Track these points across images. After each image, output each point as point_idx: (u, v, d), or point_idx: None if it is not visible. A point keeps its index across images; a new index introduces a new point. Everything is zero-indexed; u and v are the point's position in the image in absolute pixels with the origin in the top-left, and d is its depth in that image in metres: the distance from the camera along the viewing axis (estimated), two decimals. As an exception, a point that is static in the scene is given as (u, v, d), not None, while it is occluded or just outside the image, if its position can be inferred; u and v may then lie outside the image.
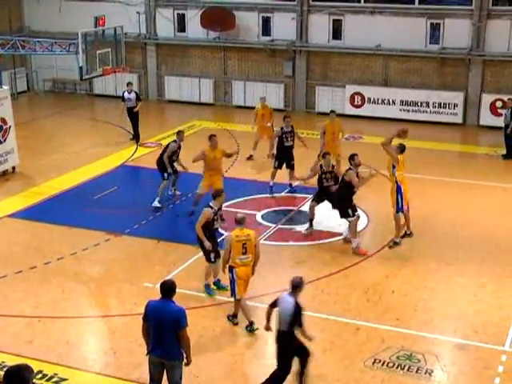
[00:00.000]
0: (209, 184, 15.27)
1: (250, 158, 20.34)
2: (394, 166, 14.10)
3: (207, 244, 11.99)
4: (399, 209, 14.09)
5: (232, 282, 11.15)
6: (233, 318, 11.46)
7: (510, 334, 11.00)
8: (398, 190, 14.07)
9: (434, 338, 11.01)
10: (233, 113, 26.83)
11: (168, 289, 8.38)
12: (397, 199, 14.04)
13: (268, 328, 9.77)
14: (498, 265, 13.55)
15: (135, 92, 22.47)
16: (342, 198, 14.16)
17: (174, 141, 16.78)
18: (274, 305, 9.62)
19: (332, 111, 19.55)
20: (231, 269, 11.09)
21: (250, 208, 16.38)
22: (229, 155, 16.05)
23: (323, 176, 14.87)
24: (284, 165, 17.58)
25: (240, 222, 11.18)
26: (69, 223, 15.53)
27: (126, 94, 22.03)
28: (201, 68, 28.34)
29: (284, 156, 17.59)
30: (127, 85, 22.34)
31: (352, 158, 14.39)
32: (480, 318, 11.61)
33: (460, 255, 14.00)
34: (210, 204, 12.04)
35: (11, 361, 9.89)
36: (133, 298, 12.17)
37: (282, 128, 17.76)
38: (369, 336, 11.05)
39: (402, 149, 14.41)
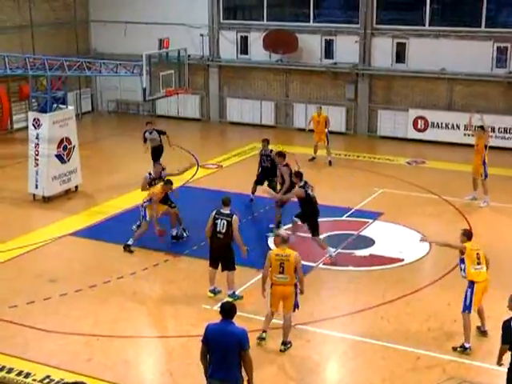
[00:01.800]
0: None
1: (312, 159, 22.49)
2: (462, 260, 11.49)
3: (245, 251, 12.61)
4: (466, 307, 11.39)
5: (268, 294, 11.37)
6: (285, 346, 11.38)
7: None
8: (470, 286, 11.45)
9: (498, 369, 10.71)
10: (294, 135, 26.88)
11: (229, 310, 8.38)
12: (465, 296, 11.41)
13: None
14: None
15: (156, 130, 20.58)
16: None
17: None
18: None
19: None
20: (271, 284, 11.31)
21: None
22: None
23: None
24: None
25: (284, 241, 11.29)
26: (129, 243, 15.71)
27: (147, 135, 20.37)
28: (262, 90, 28.52)
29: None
30: (146, 124, 20.58)
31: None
32: None
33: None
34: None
35: (70, 378, 10.04)
36: (190, 319, 12.23)
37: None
38: (429, 366, 10.83)
39: (468, 235, 11.69)
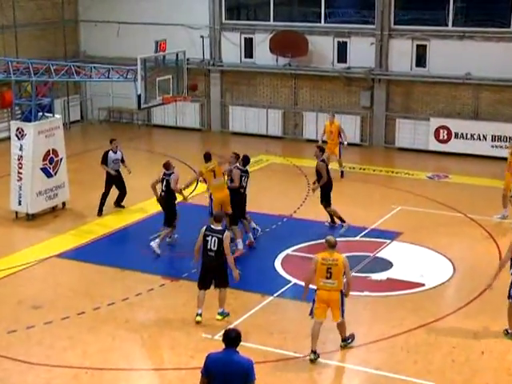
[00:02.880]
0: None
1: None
2: None
3: (237, 275, 12.77)
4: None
5: (312, 301, 11.92)
6: (346, 342, 12.23)
7: None
8: None
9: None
10: (303, 147, 26.95)
11: (234, 338, 8.34)
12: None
13: None
14: None
15: (121, 151, 20.02)
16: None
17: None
18: None
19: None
20: (315, 290, 11.84)
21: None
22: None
23: None
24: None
25: (332, 245, 11.76)
26: (121, 265, 15.77)
27: (111, 154, 19.58)
28: (269, 97, 28.65)
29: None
30: (111, 142, 19.87)
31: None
32: None
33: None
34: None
35: (55, 415, 10.03)
36: (189, 350, 12.23)
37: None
38: (454, 402, 10.82)
39: None
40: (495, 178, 20.83)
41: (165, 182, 16.79)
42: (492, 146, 24.97)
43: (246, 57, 28.83)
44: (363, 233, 17.70)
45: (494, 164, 23.83)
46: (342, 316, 11.91)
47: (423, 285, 14.83)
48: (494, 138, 25.06)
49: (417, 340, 12.65)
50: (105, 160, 19.54)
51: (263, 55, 28.10)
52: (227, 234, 12.88)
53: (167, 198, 16.77)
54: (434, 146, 25.84)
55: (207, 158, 17.10)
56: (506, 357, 12.07)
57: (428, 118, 26.06)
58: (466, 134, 25.47)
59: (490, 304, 13.93)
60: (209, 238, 12.80)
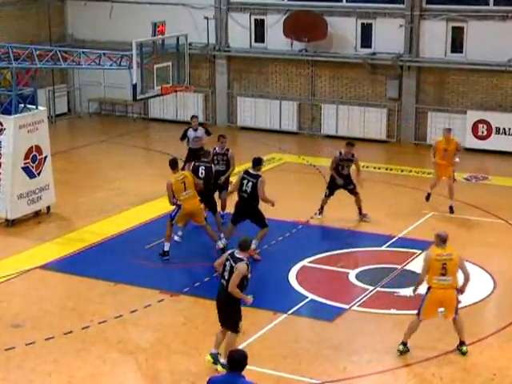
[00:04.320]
0: None
1: (428, 197, 20.01)
2: None
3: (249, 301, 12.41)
4: None
5: (422, 300, 12.67)
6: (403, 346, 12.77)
7: None
8: None
9: None
10: (321, 144, 26.95)
11: (238, 360, 8.40)
12: None
13: None
14: None
15: (204, 128, 21.70)
16: None
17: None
18: None
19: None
20: (428, 288, 12.53)
21: (341, 265, 16.35)
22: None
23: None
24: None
25: (444, 239, 12.54)
26: (114, 278, 15.79)
27: (191, 132, 21.10)
28: (282, 87, 28.69)
29: None
30: (191, 118, 21.51)
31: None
32: None
33: None
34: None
35: None
36: (190, 374, 12.23)
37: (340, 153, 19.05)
38: None
39: None
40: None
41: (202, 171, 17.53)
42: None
43: (256, 41, 28.93)
44: (390, 242, 17.67)
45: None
46: (456, 313, 12.61)
47: (459, 302, 14.76)
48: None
49: (452, 365, 12.60)
50: (184, 137, 21.21)
51: (276, 39, 28.16)
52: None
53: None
54: (472, 142, 25.82)
55: (173, 165, 16.95)
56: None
57: (465, 110, 26.07)
58: (509, 129, 25.46)
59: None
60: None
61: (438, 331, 13.72)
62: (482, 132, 25.78)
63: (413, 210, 19.66)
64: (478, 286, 15.37)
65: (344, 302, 14.79)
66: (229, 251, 12.48)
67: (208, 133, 21.36)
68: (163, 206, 20.02)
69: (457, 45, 26.30)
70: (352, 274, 16.00)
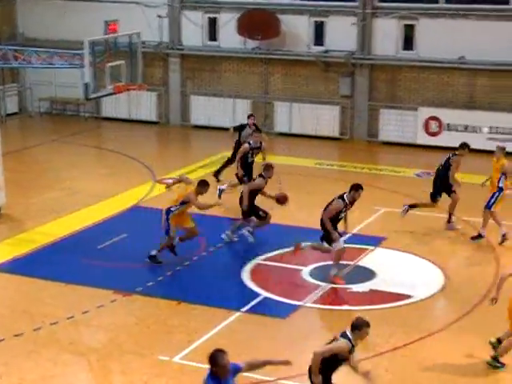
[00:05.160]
0: None
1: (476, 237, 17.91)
2: None
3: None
4: None
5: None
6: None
7: None
8: None
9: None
10: (275, 141, 27.00)
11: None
12: None
13: None
14: None
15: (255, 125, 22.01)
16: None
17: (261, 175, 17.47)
18: None
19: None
20: None
21: (295, 262, 16.37)
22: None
23: None
24: None
25: None
26: (65, 279, 15.63)
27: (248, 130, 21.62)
28: (236, 86, 28.67)
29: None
30: (248, 117, 22.05)
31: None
32: None
33: None
34: None
35: None
36: (144, 374, 12.16)
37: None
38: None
39: None
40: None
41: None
42: (488, 139, 25.16)
43: (209, 39, 28.87)
44: (342, 239, 17.71)
45: (491, 158, 24.03)
46: None
47: (410, 297, 14.90)
48: (491, 130, 25.27)
49: (404, 360, 12.68)
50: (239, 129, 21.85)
51: (229, 37, 28.17)
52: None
53: None
54: (423, 139, 26.05)
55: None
56: (505, 377, 12.16)
57: (416, 107, 26.25)
58: (460, 126, 25.69)
59: (486, 318, 14.05)
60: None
61: (389, 327, 13.82)
62: (434, 128, 26.00)
63: (365, 206, 19.67)
64: (430, 281, 15.52)
65: (297, 298, 14.81)
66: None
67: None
68: (115, 206, 20.02)
69: (408, 42, 26.51)
70: (305, 271, 16.02)
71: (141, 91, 23.88)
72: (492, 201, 17.30)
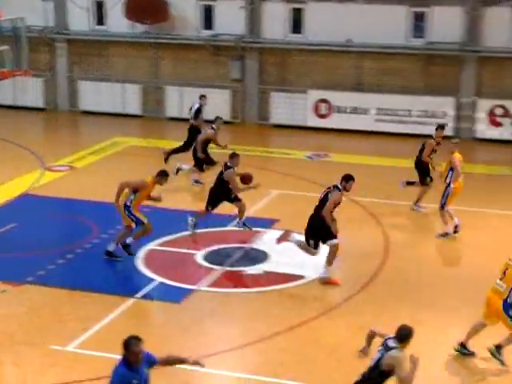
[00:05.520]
0: None
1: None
2: None
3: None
4: None
5: None
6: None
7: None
8: None
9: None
10: (166, 126, 26.85)
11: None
12: None
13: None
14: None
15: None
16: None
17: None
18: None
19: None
20: None
21: (189, 246, 16.34)
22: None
23: None
24: None
25: None
26: (-48, 271, 15.24)
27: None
28: (125, 70, 28.34)
29: None
30: (200, 98, 22.07)
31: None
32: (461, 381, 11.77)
33: (450, 302, 14.14)
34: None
35: None
36: (35, 364, 11.94)
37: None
38: (340, 405, 11.06)
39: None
40: (380, 155, 21.40)
41: None
42: (376, 120, 25.66)
43: (97, 23, 28.47)
44: (235, 222, 17.78)
45: (379, 139, 24.56)
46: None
47: (303, 277, 15.06)
48: (378, 111, 25.73)
49: (298, 339, 12.83)
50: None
51: (117, 21, 27.87)
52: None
53: None
54: (313, 121, 26.34)
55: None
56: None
57: (305, 90, 26.47)
58: (348, 108, 26.06)
59: (376, 294, 14.34)
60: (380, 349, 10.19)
61: (284, 307, 13.95)
62: (323, 111, 26.30)
63: (257, 189, 19.81)
64: (322, 261, 15.68)
65: (192, 283, 14.78)
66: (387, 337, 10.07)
67: None
68: (2, 195, 19.54)
69: (297, 26, 26.71)
70: (199, 255, 16.00)
71: (26, 77, 23.36)
72: (443, 200, 16.94)
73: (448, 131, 24.97)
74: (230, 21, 26.93)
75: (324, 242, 14.69)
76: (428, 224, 18.27)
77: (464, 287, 14.72)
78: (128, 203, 15.33)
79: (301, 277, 15.08)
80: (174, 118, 27.45)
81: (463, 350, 12.13)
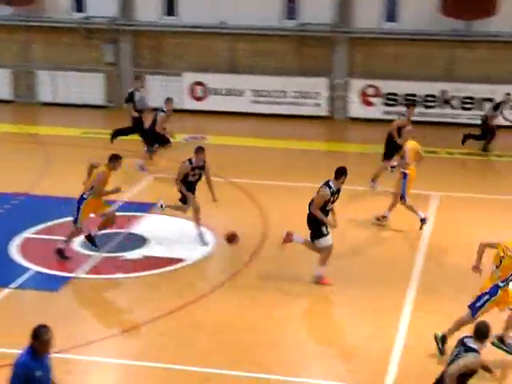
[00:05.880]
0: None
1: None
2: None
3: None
4: None
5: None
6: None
7: (390, 371, 11.44)
8: None
9: (302, 381, 11.26)
10: (39, 111, 26.33)
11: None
12: None
13: None
14: (379, 288, 14.05)
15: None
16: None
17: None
18: None
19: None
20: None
21: (64, 234, 16.10)
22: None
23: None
24: None
25: None
26: None
27: (137, 94, 21.35)
28: (-6, 55, 27.64)
29: None
30: (136, 79, 21.86)
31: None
32: (356, 353, 12.01)
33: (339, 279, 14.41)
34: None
35: None
36: None
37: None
38: (222, 387, 11.16)
39: None
40: (257, 137, 21.55)
41: None
42: (251, 102, 25.85)
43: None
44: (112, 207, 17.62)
45: (255, 121, 24.74)
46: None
47: (183, 260, 15.09)
48: (253, 93, 25.92)
49: (179, 323, 12.85)
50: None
51: (-16, 4, 27.04)
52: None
53: None
54: (189, 104, 26.36)
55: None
56: (273, 330, 12.57)
57: (180, 73, 26.43)
58: (223, 90, 26.16)
59: (257, 273, 14.50)
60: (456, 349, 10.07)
61: (163, 291, 13.98)
62: (198, 93, 26.31)
63: (134, 174, 19.72)
64: (200, 244, 15.73)
65: (69, 270, 14.61)
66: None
67: None
68: None
69: (170, 8, 26.61)
70: (76, 242, 15.77)
71: None
72: (402, 191, 16.50)
73: (322, 111, 25.65)
74: (102, 3, 26.61)
75: (312, 241, 14.28)
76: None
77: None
78: (84, 196, 14.95)
79: (180, 260, 15.11)
80: (48, 103, 26.93)
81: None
